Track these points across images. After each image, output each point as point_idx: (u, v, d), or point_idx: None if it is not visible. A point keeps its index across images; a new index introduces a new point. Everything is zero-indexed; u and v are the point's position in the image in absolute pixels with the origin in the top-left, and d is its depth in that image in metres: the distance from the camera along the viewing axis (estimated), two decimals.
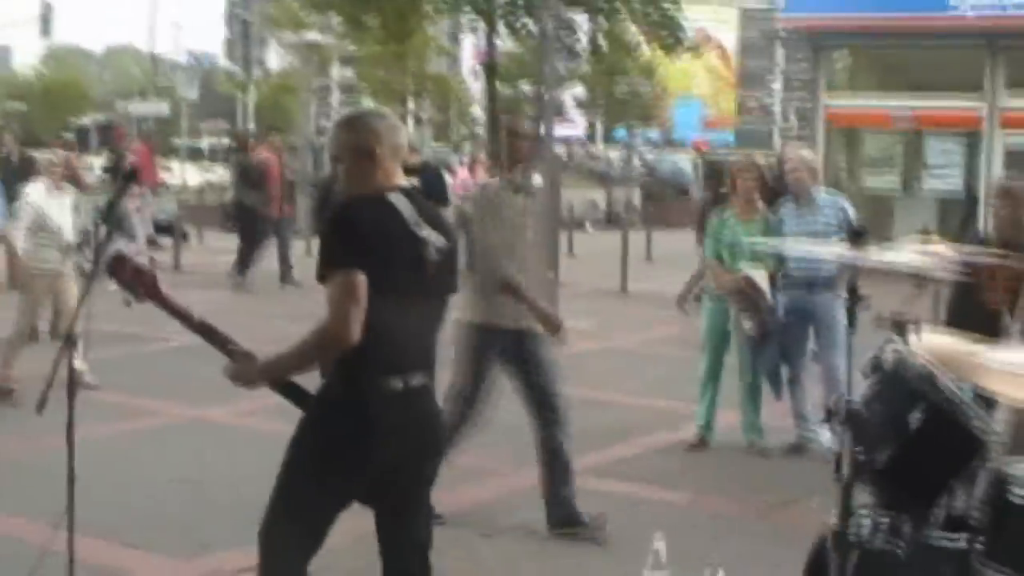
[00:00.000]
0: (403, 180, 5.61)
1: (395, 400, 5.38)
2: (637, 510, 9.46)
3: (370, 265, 5.22)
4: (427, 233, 5.46)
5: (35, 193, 13.46)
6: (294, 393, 5.60)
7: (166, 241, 27.33)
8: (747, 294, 10.95)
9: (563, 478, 8.80)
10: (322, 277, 5.29)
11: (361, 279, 5.18)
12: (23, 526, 8.68)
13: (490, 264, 8.48)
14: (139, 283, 5.77)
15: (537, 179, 20.03)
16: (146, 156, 30.02)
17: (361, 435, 5.34)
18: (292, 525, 5.50)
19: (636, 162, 54.84)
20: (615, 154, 60.89)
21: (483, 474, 10.03)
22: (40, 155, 18.61)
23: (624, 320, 19.93)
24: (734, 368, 11.44)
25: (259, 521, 5.58)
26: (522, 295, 8.52)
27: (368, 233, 5.30)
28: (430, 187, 15.75)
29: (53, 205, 13.32)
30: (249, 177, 23.66)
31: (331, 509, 5.51)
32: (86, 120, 77.48)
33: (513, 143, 8.63)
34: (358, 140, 5.54)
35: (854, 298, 6.21)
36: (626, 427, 12.03)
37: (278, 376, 5.56)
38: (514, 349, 8.74)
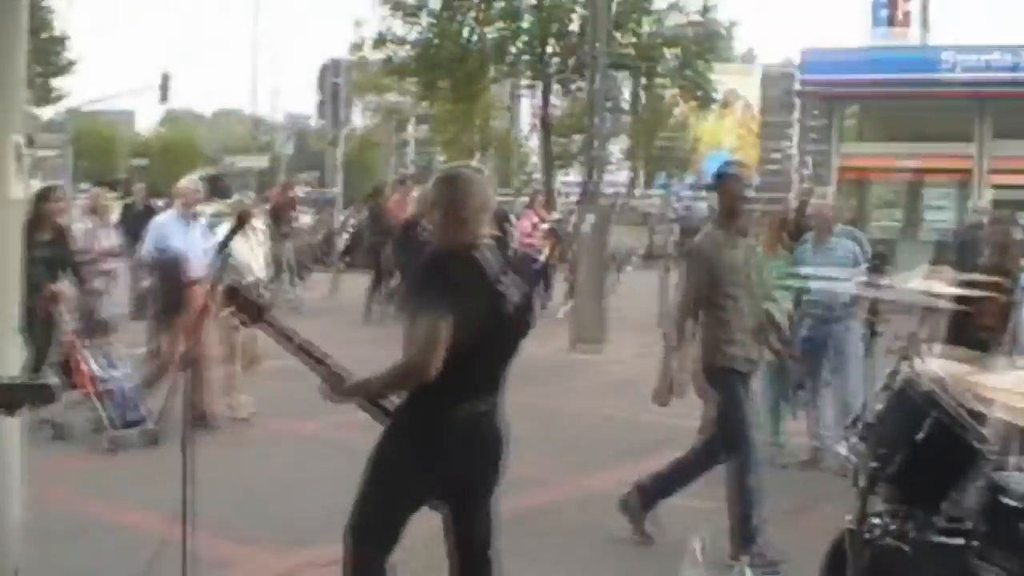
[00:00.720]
0: (488, 235, 5.61)
1: (461, 425, 5.47)
2: (673, 516, 9.42)
3: (455, 313, 5.23)
4: (506, 288, 5.49)
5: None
6: (377, 411, 5.66)
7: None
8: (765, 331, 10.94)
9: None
10: (410, 317, 5.33)
11: (446, 325, 5.20)
12: (145, 520, 8.73)
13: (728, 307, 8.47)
14: (249, 310, 5.87)
15: (590, 220, 20.13)
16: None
17: (429, 453, 5.45)
18: (372, 524, 5.59)
19: (673, 207, 54.75)
20: (655, 199, 60.82)
21: (538, 482, 9.96)
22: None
23: (662, 347, 19.75)
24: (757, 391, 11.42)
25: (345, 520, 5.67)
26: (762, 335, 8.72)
27: (456, 285, 5.32)
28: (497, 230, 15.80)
29: (242, 243, 12.29)
30: (379, 221, 23.81)
31: (404, 512, 5.58)
32: (198, 173, 78.09)
33: (734, 202, 8.59)
34: (452, 197, 5.54)
35: (873, 325, 6.22)
36: (663, 442, 11.96)
37: (364, 396, 5.60)
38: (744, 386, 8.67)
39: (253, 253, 12.88)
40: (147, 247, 12.85)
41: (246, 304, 5.93)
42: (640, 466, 10.34)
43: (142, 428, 11.44)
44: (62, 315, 11.82)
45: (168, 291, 12.43)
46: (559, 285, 24.42)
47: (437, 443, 5.45)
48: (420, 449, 5.47)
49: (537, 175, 61.52)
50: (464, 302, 5.29)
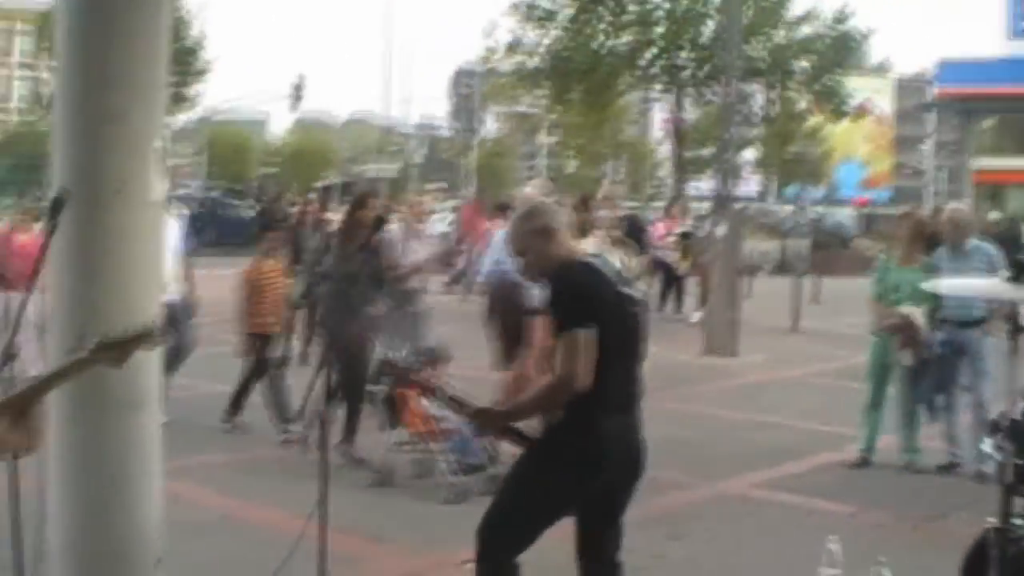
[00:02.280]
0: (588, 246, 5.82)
1: (615, 435, 5.58)
2: (807, 519, 9.41)
3: (596, 322, 5.38)
4: (628, 290, 5.63)
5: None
6: (516, 436, 5.82)
7: None
8: (906, 331, 10.89)
9: None
10: (557, 332, 5.45)
11: (592, 335, 5.34)
12: (275, 516, 8.94)
13: None
14: (399, 375, 6.16)
15: (723, 228, 20.08)
16: (474, 213, 29.88)
17: (585, 463, 5.53)
18: (512, 532, 5.71)
19: (804, 217, 54.29)
20: (786, 209, 60.36)
21: (674, 485, 9.97)
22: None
23: (794, 354, 19.73)
24: (894, 396, 11.34)
25: (477, 521, 5.78)
26: None
27: (590, 292, 5.49)
28: (632, 237, 15.76)
29: None
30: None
31: (548, 523, 5.68)
32: (330, 180, 78.87)
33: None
34: (535, 224, 5.72)
35: (1016, 330, 6.24)
36: (795, 447, 11.93)
37: (513, 421, 5.79)
38: None
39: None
40: (486, 267, 11.60)
41: (396, 372, 6.25)
42: (772, 471, 10.36)
43: (487, 473, 9.74)
44: (382, 341, 11.10)
45: (506, 319, 10.71)
46: (691, 292, 24.39)
47: (593, 457, 5.53)
48: (576, 464, 5.54)
49: (668, 184, 61.35)
50: (600, 309, 5.44)
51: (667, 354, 17.66)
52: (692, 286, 24.66)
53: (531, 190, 12.78)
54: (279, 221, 21.13)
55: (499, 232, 11.58)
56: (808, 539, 8.06)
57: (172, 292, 12.06)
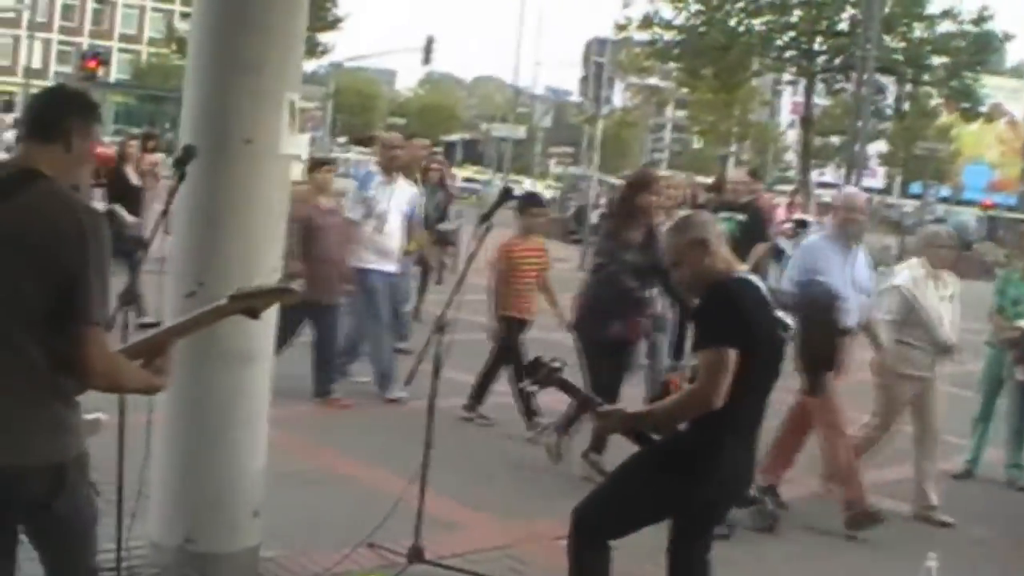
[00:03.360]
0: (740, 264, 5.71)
1: (736, 458, 5.55)
2: (906, 527, 9.25)
3: (742, 343, 5.28)
4: (781, 314, 5.59)
5: (910, 278, 9.69)
6: (638, 436, 5.73)
7: None
8: (1022, 346, 10.68)
9: None
10: (699, 346, 5.42)
11: (733, 355, 5.24)
12: (376, 475, 8.98)
13: None
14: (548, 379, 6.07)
15: None
16: None
17: (702, 479, 5.49)
18: (612, 515, 5.70)
19: (928, 214, 53.49)
20: (909, 206, 59.54)
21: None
22: None
23: None
24: (1004, 410, 11.16)
25: (576, 500, 5.81)
26: None
27: (744, 313, 5.39)
28: (753, 225, 15.46)
29: (930, 294, 9.64)
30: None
31: (649, 518, 5.72)
32: (454, 137, 79.10)
33: None
34: (691, 235, 5.60)
35: None
36: (900, 452, 11.73)
37: (641, 426, 5.71)
38: None
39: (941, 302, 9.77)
40: (790, 276, 9.57)
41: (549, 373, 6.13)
42: (876, 475, 10.15)
43: (757, 508, 8.71)
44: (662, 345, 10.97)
45: (816, 339, 8.68)
46: None
47: (711, 475, 5.48)
48: (692, 476, 5.50)
49: (792, 171, 60.80)
50: (751, 330, 5.36)
51: None
52: None
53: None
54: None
55: (812, 240, 10.19)
56: (906, 549, 7.95)
57: (395, 262, 12.06)
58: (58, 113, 4.05)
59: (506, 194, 7.21)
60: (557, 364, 5.93)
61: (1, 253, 3.83)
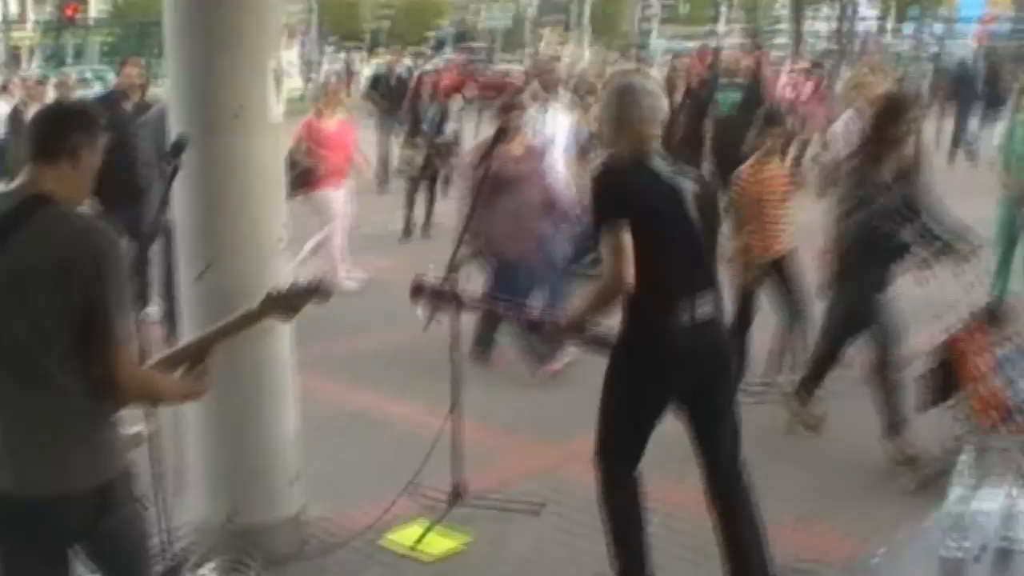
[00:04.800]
0: (657, 140, 5.61)
1: (683, 333, 5.42)
2: None
3: (633, 220, 5.27)
4: (682, 182, 5.50)
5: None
6: (594, 341, 5.72)
7: None
8: None
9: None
10: (596, 233, 5.41)
11: (624, 235, 5.22)
12: (415, 415, 8.91)
13: None
14: (441, 301, 6.09)
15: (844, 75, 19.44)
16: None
17: (657, 365, 5.49)
18: (615, 444, 5.74)
19: (924, 51, 52.85)
20: (905, 43, 58.81)
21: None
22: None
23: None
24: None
25: None
26: None
27: (625, 192, 5.41)
28: (754, 97, 15.37)
29: None
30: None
31: (641, 427, 5.69)
32: (443, 30, 78.43)
33: None
34: (618, 111, 5.57)
35: None
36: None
37: (577, 329, 5.69)
38: None
39: None
40: None
41: (436, 295, 6.33)
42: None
43: None
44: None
45: None
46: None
47: (655, 352, 5.47)
48: (641, 361, 5.50)
49: (783, 24, 60.23)
50: (637, 206, 5.34)
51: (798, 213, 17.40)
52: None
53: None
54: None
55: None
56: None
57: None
58: (61, 131, 4.01)
59: (500, 135, 7.09)
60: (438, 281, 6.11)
61: (19, 288, 3.82)
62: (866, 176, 7.79)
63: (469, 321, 6.73)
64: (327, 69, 49.00)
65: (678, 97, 15.51)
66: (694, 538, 6.48)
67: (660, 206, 5.43)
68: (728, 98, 15.25)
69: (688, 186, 5.53)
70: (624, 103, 5.56)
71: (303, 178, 12.99)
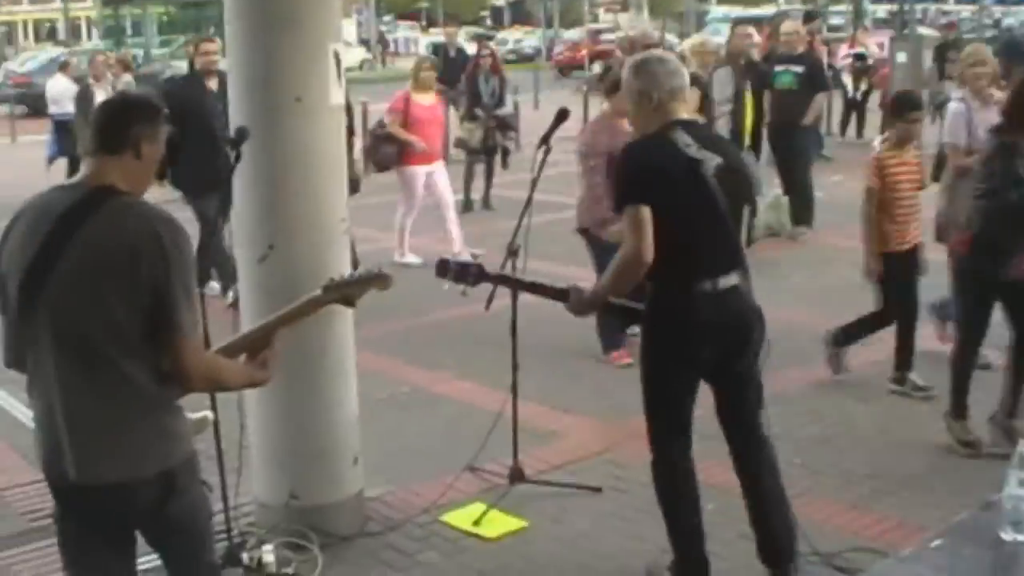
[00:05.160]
0: (684, 115, 5.67)
1: (706, 301, 5.51)
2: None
3: (655, 196, 5.39)
4: (704, 155, 5.51)
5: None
6: (619, 312, 6.00)
7: None
8: None
9: None
10: (616, 207, 5.55)
11: (645, 212, 5.34)
12: (475, 393, 9.05)
13: None
14: (465, 276, 6.33)
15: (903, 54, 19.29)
16: None
17: (680, 338, 5.62)
18: (659, 415, 5.85)
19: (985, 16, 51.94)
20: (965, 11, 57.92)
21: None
22: None
23: None
24: None
25: None
26: None
27: (648, 169, 5.51)
28: (812, 75, 15.36)
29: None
30: None
31: (680, 397, 5.77)
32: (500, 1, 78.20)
33: None
34: (641, 86, 5.61)
35: None
36: None
37: (603, 301, 5.82)
38: None
39: None
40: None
41: (460, 272, 6.37)
42: None
43: None
44: None
45: None
46: (872, 117, 23.68)
47: (678, 325, 5.60)
48: (665, 337, 5.66)
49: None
50: (659, 182, 5.44)
51: (850, 183, 17.34)
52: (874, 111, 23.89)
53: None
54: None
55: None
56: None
57: None
58: (124, 122, 4.06)
59: (562, 116, 7.08)
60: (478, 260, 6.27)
61: (88, 278, 3.88)
62: (1010, 161, 7.42)
63: (528, 301, 6.70)
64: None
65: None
66: (747, 526, 6.52)
67: (681, 181, 5.48)
68: (786, 74, 15.21)
69: (712, 160, 5.54)
70: (645, 79, 5.63)
71: (399, 153, 13.17)
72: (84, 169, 4.08)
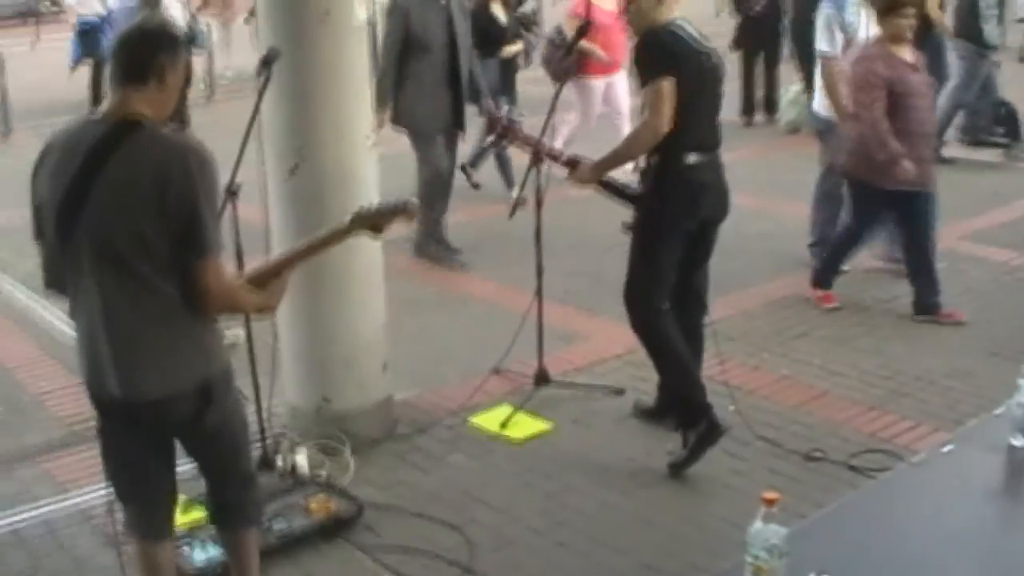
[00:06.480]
0: (678, 13, 6.31)
1: (704, 168, 6.26)
2: (1009, 278, 9.34)
3: (674, 73, 6.00)
4: (705, 48, 6.25)
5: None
6: (613, 189, 6.54)
7: None
8: None
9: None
10: (643, 84, 6.11)
11: (670, 84, 5.99)
12: (500, 293, 9.20)
13: None
14: (509, 132, 7.04)
15: None
16: None
17: (689, 192, 6.25)
18: (648, 272, 6.41)
19: None
20: None
21: None
22: None
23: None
24: None
25: None
26: None
27: (671, 51, 6.13)
28: None
29: None
30: None
31: (673, 253, 6.37)
32: None
33: None
34: None
35: None
36: (1006, 192, 11.66)
37: (609, 170, 6.49)
38: None
39: None
40: None
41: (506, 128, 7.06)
42: (981, 220, 10.09)
43: None
44: None
45: None
46: None
47: (687, 184, 6.22)
48: (679, 194, 6.23)
49: None
50: (679, 63, 6.06)
51: None
52: None
53: None
54: None
55: None
56: (1012, 302, 7.95)
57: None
58: (148, 52, 4.12)
59: (583, 31, 7.19)
60: (513, 117, 7.06)
61: (122, 203, 3.98)
62: None
63: (552, 203, 6.87)
64: None
65: None
66: (768, 427, 6.73)
67: (692, 66, 6.13)
68: None
69: (708, 54, 6.25)
70: None
71: (578, 62, 11.89)
72: (110, 100, 4.16)
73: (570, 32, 11.75)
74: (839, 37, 8.87)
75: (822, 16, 9.03)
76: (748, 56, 15.46)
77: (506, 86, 12.08)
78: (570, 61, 11.38)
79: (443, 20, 9.75)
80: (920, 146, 8.04)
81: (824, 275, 8.83)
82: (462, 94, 9.97)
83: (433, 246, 10.24)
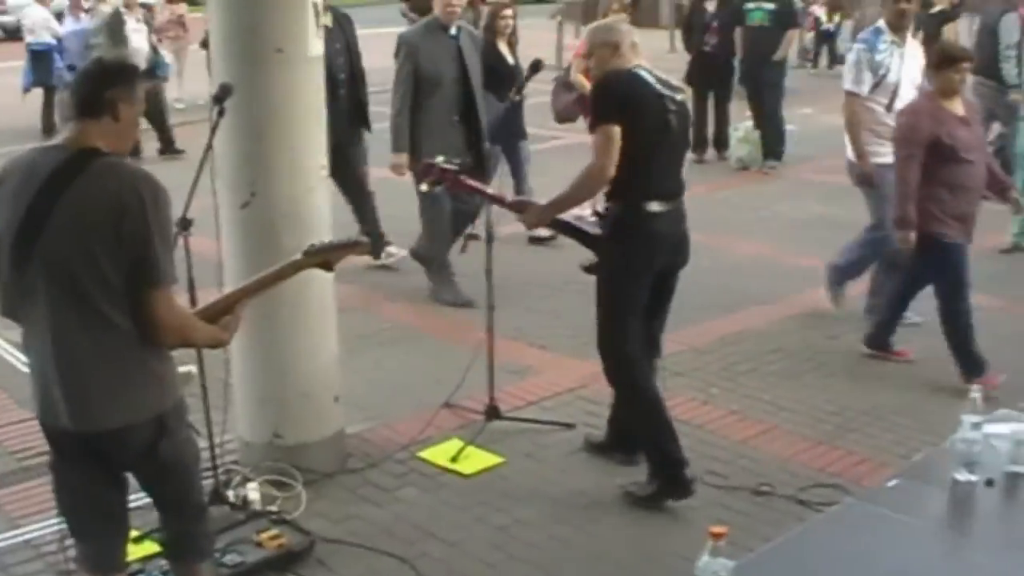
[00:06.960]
0: (642, 61, 6.28)
1: (662, 217, 6.21)
2: None
3: (625, 119, 6.00)
4: (667, 92, 6.19)
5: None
6: (568, 229, 6.54)
7: None
8: None
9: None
10: (591, 128, 6.12)
11: (616, 130, 5.97)
12: (453, 328, 9.18)
13: None
14: (444, 179, 7.02)
15: None
16: None
17: (648, 243, 6.24)
18: (617, 320, 6.36)
19: None
20: None
21: None
22: None
23: None
24: None
25: None
26: None
27: (623, 97, 6.11)
28: (783, 12, 15.55)
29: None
30: None
31: (635, 300, 6.32)
32: None
33: None
34: (608, 37, 6.32)
35: None
36: None
37: (557, 213, 6.46)
38: None
39: None
40: None
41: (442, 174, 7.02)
42: None
43: None
44: None
45: None
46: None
47: (647, 235, 6.20)
48: (637, 243, 6.22)
49: None
50: (632, 110, 6.06)
51: (821, 116, 17.54)
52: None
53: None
54: None
55: None
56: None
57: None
58: (100, 88, 4.17)
59: (536, 67, 7.27)
60: (450, 164, 7.00)
61: (79, 228, 4.01)
62: None
63: (505, 241, 6.94)
64: None
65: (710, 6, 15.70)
66: (717, 461, 6.81)
67: (649, 112, 6.10)
68: (758, 11, 15.35)
69: (671, 99, 6.20)
70: (615, 32, 6.35)
71: (580, 104, 11.29)
72: (67, 132, 4.20)
73: (576, 74, 11.60)
74: (867, 77, 8.91)
75: (853, 54, 9.18)
76: (699, 93, 15.60)
77: (516, 127, 11.78)
78: (570, 100, 11.52)
79: (453, 54, 9.69)
80: (965, 201, 7.84)
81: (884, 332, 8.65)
82: (480, 131, 9.70)
83: (446, 294, 10.00)
